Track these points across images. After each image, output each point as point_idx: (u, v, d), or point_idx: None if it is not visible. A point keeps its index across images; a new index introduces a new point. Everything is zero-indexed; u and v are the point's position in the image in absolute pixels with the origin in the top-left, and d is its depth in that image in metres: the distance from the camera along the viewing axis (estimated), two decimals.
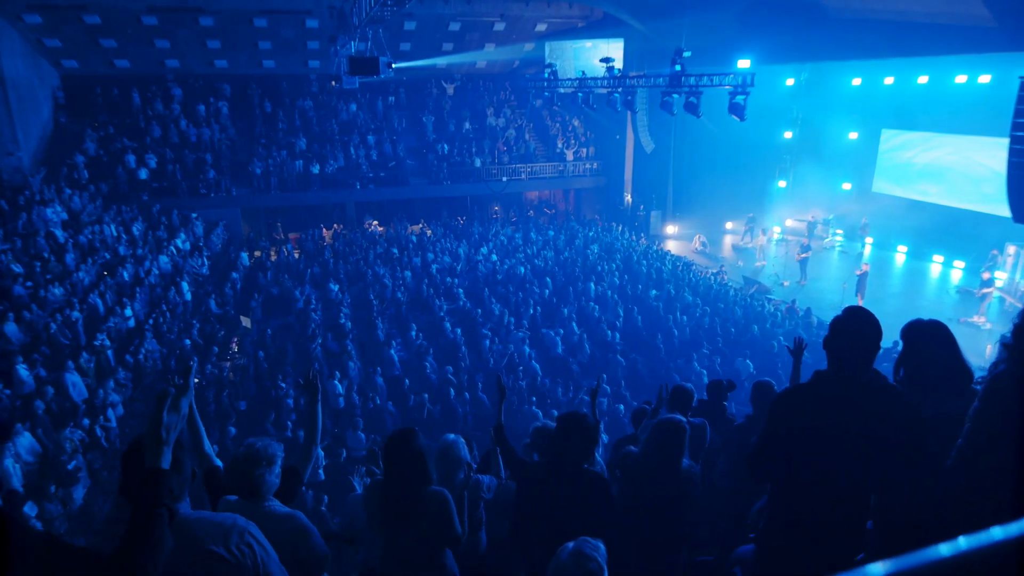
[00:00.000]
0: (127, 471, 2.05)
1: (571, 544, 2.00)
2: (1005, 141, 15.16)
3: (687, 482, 3.12)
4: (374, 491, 2.84)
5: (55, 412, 9.36)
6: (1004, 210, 16.97)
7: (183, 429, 1.76)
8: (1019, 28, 9.98)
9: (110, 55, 20.83)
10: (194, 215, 19.19)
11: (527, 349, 13.22)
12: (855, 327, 2.06)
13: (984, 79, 16.35)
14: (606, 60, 17.71)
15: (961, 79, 16.93)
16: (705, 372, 12.14)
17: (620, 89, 17.21)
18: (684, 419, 3.13)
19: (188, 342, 12.73)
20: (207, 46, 21.42)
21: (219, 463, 2.84)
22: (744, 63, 13.53)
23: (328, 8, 18.82)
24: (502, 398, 3.57)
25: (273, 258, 20.36)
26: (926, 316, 2.32)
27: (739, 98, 12.86)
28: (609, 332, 13.96)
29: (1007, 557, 0.65)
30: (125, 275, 14.10)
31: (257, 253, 20.88)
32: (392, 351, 12.91)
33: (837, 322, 2.10)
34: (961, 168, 19.02)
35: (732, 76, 13.16)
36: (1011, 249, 16.02)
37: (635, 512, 3.10)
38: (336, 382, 11.13)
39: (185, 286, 14.90)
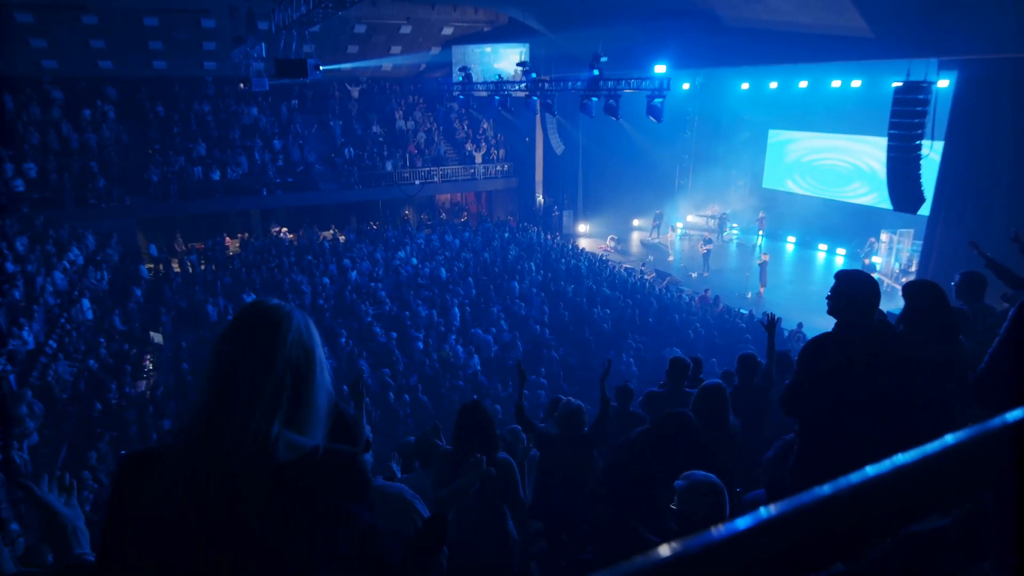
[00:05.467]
0: None
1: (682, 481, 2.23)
2: (875, 139, 17.02)
3: (734, 435, 3.46)
4: (445, 461, 2.92)
5: None
6: (877, 201, 19.01)
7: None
8: (892, 38, 11.31)
9: None
10: (83, 227, 17.76)
11: (460, 348, 13.34)
12: (855, 286, 2.64)
13: (856, 84, 18.22)
14: (523, 64, 18.13)
15: (836, 84, 18.78)
16: (633, 361, 12.78)
17: (539, 92, 17.68)
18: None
19: (93, 363, 11.86)
20: (91, 46, 19.88)
21: None
22: (660, 68, 14.39)
23: (229, 8, 18.04)
24: (522, 382, 3.81)
25: (177, 270, 19.22)
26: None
27: (656, 101, 13.68)
28: (537, 328, 14.33)
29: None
30: (16, 294, 12.89)
31: (153, 265, 19.60)
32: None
33: (841, 278, 2.69)
34: (838, 164, 21.09)
35: (649, 80, 13.96)
36: (884, 236, 17.96)
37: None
38: None
39: (86, 303, 13.84)
